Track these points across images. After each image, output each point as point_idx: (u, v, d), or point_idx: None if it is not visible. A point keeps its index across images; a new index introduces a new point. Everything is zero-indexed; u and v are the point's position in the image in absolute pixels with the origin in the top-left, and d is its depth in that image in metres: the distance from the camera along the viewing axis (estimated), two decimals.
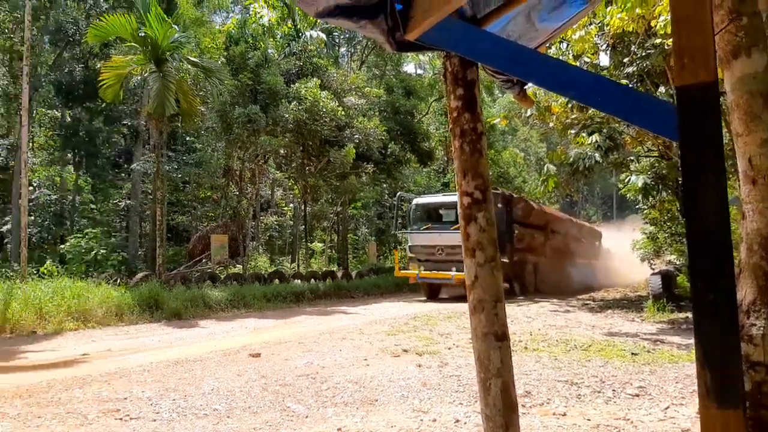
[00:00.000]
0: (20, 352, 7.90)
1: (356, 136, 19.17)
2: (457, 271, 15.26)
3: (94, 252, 16.62)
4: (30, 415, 4.61)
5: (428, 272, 16.13)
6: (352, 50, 34.81)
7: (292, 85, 18.69)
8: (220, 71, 16.91)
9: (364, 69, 30.48)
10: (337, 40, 30.41)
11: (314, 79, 18.98)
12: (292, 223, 28.09)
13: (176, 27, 15.66)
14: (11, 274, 12.25)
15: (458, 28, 2.19)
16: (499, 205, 16.06)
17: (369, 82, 27.18)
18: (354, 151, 19.04)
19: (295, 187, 23.08)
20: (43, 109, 24.43)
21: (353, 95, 21.06)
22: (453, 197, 15.87)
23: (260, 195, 24.51)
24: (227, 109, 17.85)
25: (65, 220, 22.67)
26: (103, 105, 21.33)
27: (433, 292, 17.30)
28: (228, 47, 19.60)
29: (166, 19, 14.79)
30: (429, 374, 5.92)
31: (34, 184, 22.14)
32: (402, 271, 17.27)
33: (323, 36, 21.80)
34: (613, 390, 5.32)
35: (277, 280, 17.55)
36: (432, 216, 17.29)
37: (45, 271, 12.87)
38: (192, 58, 16.39)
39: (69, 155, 24.80)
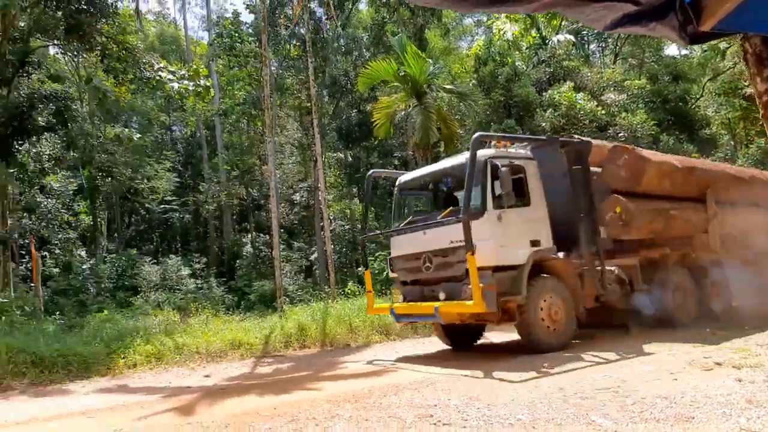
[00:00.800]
0: (340, 363, 9.25)
1: (621, 133, 17.95)
2: (446, 297, 8.12)
3: (385, 272, 18.61)
4: (359, 417, 5.29)
5: (405, 304, 8.91)
6: (603, 45, 32.76)
7: (544, 93, 18.48)
8: (473, 93, 17.72)
9: (619, 62, 28.48)
10: (585, 38, 29.07)
11: (567, 82, 18.49)
12: None
13: (429, 60, 16.91)
14: (323, 295, 14.50)
15: (759, 6, 2.03)
16: (563, 162, 8.82)
17: (627, 74, 25.27)
18: None
19: None
20: (330, 153, 28.59)
21: (612, 91, 19.87)
22: (462, 158, 8.64)
23: None
24: (483, 128, 18.43)
25: (357, 245, 26.08)
26: (376, 142, 23.98)
27: (456, 334, 9.64)
28: (477, 69, 20.33)
29: (421, 54, 16.07)
30: (754, 389, 5.19)
31: (331, 218, 25.94)
32: (376, 307, 10.01)
33: (571, 37, 21.10)
34: None
35: None
36: (438, 203, 10.17)
37: (349, 291, 14.89)
38: (446, 86, 17.51)
39: (354, 190, 28.53)
